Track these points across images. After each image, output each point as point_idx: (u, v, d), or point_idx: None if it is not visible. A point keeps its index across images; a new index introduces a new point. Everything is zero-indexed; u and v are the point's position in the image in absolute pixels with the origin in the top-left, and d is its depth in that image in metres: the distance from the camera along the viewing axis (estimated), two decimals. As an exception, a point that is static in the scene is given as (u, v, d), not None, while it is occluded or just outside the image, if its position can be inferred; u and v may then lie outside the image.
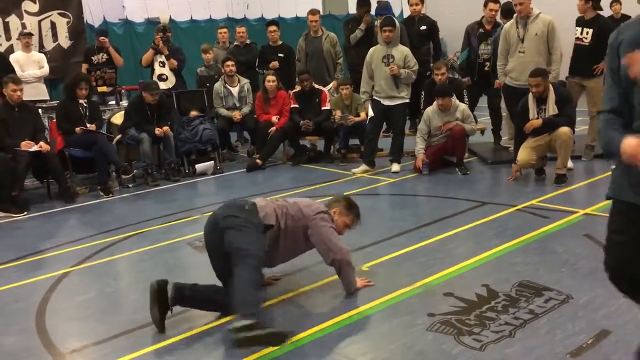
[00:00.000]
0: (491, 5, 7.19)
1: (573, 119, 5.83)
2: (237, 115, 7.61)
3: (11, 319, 3.46)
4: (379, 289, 3.53)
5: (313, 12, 8.25)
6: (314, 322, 3.16)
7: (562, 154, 5.67)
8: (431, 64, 7.49)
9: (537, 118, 5.71)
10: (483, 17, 7.34)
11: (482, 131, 7.42)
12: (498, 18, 7.32)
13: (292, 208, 3.42)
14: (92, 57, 8.03)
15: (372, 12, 8.21)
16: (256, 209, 3.33)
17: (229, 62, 7.72)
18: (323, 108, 7.46)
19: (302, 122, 7.26)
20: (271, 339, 2.90)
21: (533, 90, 5.65)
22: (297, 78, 7.97)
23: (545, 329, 2.96)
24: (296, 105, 7.45)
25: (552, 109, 5.65)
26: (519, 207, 5.06)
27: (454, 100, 6.54)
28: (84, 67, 8.10)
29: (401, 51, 6.60)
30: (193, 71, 8.76)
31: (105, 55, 8.02)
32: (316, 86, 7.60)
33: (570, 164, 5.97)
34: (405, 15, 8.99)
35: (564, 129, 5.61)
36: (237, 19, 12.07)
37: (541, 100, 5.70)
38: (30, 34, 8.15)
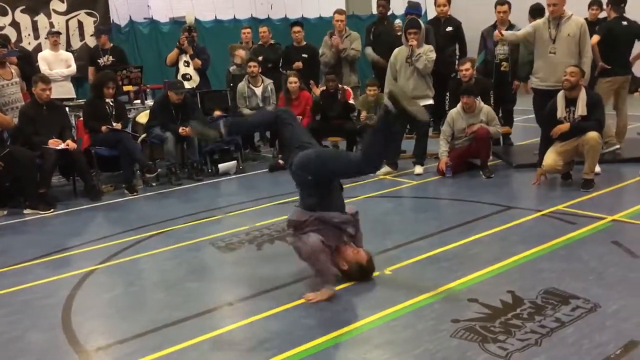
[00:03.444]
0: (499, 8, 7.27)
1: (602, 123, 5.72)
2: (259, 115, 7.62)
3: (38, 315, 3.51)
4: (402, 294, 3.50)
5: (340, 11, 8.22)
6: (336, 326, 3.15)
7: (589, 158, 5.58)
8: (456, 66, 7.44)
9: (566, 118, 5.61)
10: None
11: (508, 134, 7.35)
12: (513, 20, 7.35)
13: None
14: (99, 60, 8.09)
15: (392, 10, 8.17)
16: None
17: (252, 63, 7.74)
18: (349, 101, 7.44)
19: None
20: None
21: (566, 77, 5.53)
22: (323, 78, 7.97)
23: (572, 338, 2.91)
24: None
25: (581, 109, 5.55)
26: (545, 212, 4.98)
27: (479, 101, 6.47)
28: (91, 70, 8.10)
29: (425, 50, 6.56)
30: (217, 71, 8.81)
31: (111, 57, 8.06)
32: (340, 86, 7.58)
33: (597, 168, 5.87)
34: (431, 17, 8.94)
35: (592, 134, 5.51)
36: (260, 19, 12.14)
37: (571, 101, 5.61)
38: (58, 33, 8.30)
